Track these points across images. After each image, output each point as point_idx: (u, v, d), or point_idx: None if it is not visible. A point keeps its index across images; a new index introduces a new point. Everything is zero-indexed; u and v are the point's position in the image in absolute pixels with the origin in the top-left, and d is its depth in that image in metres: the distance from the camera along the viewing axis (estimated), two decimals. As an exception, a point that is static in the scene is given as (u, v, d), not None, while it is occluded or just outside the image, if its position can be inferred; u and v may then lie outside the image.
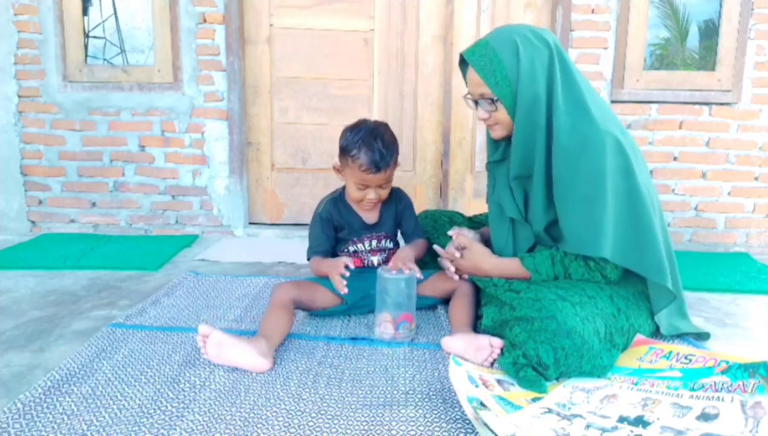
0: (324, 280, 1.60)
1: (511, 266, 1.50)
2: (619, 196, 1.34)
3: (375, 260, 1.70)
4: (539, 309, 1.25)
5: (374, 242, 1.70)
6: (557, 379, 1.21)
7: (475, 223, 1.91)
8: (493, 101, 1.42)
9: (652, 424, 1.02)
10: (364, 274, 1.65)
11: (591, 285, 1.37)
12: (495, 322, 1.39)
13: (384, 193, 1.62)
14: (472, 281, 1.58)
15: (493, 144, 1.59)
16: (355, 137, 1.55)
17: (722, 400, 1.05)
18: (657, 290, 1.42)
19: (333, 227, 1.68)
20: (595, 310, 1.27)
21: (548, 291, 1.31)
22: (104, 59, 2.70)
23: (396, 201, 1.74)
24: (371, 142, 1.53)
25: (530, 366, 1.19)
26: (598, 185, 1.33)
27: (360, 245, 1.69)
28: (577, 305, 1.25)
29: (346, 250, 1.69)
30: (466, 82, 1.50)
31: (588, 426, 1.03)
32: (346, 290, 1.49)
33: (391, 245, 1.73)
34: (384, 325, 1.46)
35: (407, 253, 1.59)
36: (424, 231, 1.78)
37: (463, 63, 1.50)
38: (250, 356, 1.25)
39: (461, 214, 1.96)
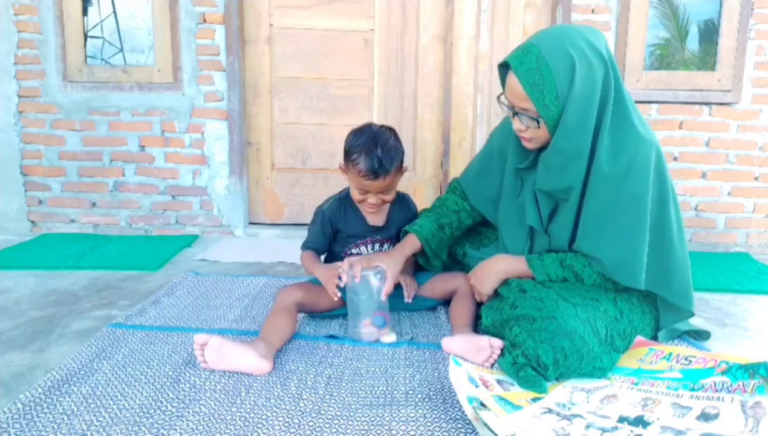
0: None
1: (518, 266, 1.46)
2: (651, 224, 1.31)
3: None
4: (540, 309, 1.25)
5: (377, 246, 1.70)
6: (557, 379, 1.21)
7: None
8: (536, 119, 1.30)
9: (652, 424, 1.02)
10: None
11: (595, 288, 1.37)
12: (495, 322, 1.39)
13: (387, 197, 1.61)
14: None
15: (521, 150, 1.47)
16: (357, 141, 1.54)
17: (722, 400, 1.05)
18: (673, 308, 1.41)
19: (332, 228, 1.68)
20: (597, 312, 1.27)
21: (551, 291, 1.31)
22: (102, 59, 2.69)
23: (405, 208, 1.75)
24: (372, 149, 1.51)
25: (530, 366, 1.19)
26: (639, 214, 1.29)
27: (363, 248, 1.69)
28: (578, 307, 1.25)
29: (348, 252, 1.69)
30: (502, 85, 1.36)
31: (588, 426, 1.03)
32: (337, 297, 1.50)
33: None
34: (366, 328, 1.47)
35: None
36: None
37: (503, 65, 1.34)
38: (251, 359, 1.24)
39: None
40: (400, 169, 1.59)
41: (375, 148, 1.51)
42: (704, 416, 1.02)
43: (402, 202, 1.75)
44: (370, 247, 1.69)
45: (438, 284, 1.65)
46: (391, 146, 1.54)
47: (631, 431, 1.00)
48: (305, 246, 1.69)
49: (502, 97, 1.37)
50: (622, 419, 1.05)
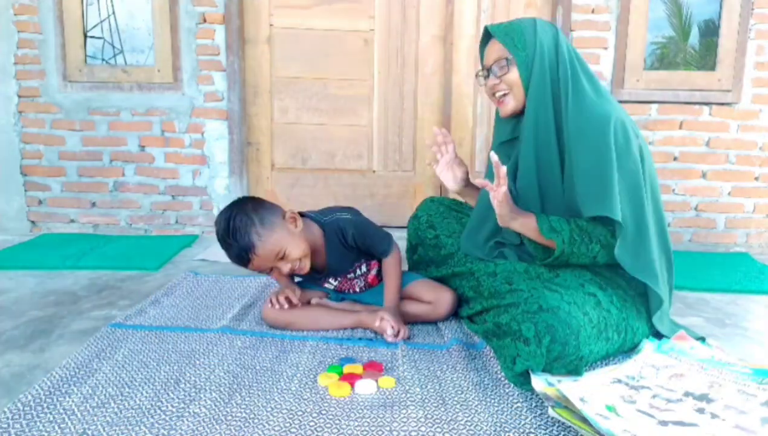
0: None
1: (530, 223, 1.42)
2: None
3: (357, 287, 1.67)
4: (526, 298, 1.28)
5: (338, 281, 1.64)
6: (548, 356, 1.16)
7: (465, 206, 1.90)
8: (507, 62, 1.45)
9: (716, 401, 1.07)
10: (347, 298, 1.68)
11: (592, 283, 1.37)
12: (485, 332, 1.42)
13: (298, 261, 1.45)
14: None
15: (502, 125, 1.57)
16: (217, 235, 1.43)
17: None
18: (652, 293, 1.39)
19: None
20: (585, 298, 1.28)
21: (536, 282, 1.35)
22: (103, 59, 2.70)
23: (339, 239, 1.54)
24: (226, 241, 1.41)
25: (518, 351, 1.20)
26: (605, 154, 1.30)
27: (327, 285, 1.66)
28: (565, 295, 1.26)
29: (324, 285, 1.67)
30: (482, 61, 1.54)
31: (654, 396, 1.10)
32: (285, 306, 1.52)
33: (364, 269, 1.64)
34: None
35: (391, 310, 1.51)
36: (387, 243, 1.59)
37: (484, 43, 1.54)
38: None
39: (461, 203, 1.94)
40: (277, 228, 1.42)
41: (228, 239, 1.40)
42: None
43: (332, 236, 1.54)
44: (333, 281, 1.65)
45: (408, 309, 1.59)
46: (240, 228, 1.38)
47: (696, 404, 1.06)
48: None
49: (480, 73, 1.53)
50: (687, 394, 1.11)
